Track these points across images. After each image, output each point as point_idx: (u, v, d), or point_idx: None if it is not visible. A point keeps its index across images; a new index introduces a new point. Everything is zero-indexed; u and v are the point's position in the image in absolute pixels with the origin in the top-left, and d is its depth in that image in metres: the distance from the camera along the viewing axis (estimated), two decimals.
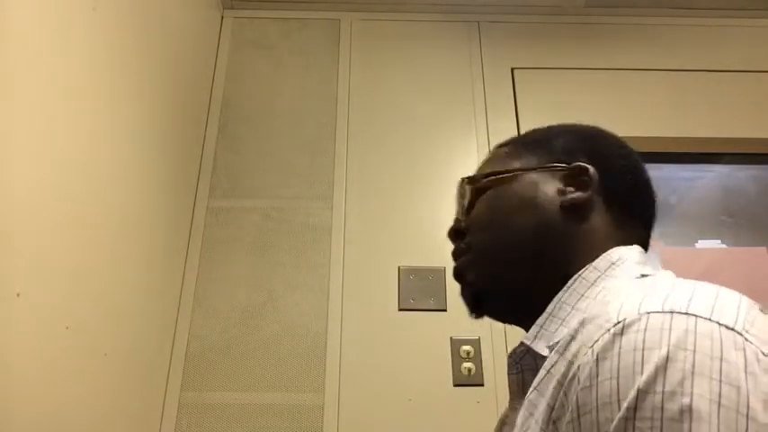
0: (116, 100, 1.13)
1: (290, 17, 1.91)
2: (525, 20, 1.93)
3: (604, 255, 0.55)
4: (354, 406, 1.43)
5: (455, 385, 1.44)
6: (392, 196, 1.67)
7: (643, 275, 0.53)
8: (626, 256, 0.56)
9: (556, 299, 0.54)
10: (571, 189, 0.59)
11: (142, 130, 1.26)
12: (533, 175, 0.62)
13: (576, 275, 0.54)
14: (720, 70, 1.85)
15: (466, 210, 0.66)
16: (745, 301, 0.44)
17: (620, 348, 0.40)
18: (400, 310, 1.52)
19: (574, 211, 0.58)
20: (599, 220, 0.59)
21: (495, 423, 0.62)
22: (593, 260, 0.55)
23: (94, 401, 1.05)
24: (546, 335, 0.53)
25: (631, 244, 0.58)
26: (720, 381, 0.36)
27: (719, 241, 1.78)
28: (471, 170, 0.69)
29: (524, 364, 0.55)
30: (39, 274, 0.87)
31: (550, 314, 0.54)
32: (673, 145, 1.75)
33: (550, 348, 0.50)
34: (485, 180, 0.64)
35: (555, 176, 0.61)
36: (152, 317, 1.34)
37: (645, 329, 0.40)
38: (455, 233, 0.66)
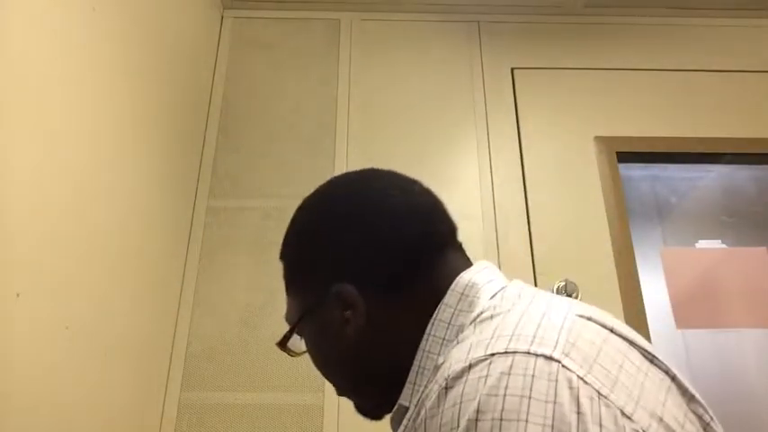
0: (116, 100, 1.13)
1: (290, 17, 1.91)
2: (525, 20, 1.93)
3: (452, 288, 0.54)
4: None
5: None
6: None
7: (493, 296, 0.52)
8: (472, 280, 0.54)
9: (420, 350, 0.52)
10: (349, 313, 0.57)
11: (142, 130, 1.26)
12: (313, 317, 0.60)
13: (431, 321, 0.53)
14: (720, 70, 1.85)
15: (293, 352, 0.65)
16: (574, 313, 0.44)
17: (444, 405, 0.40)
18: None
19: (369, 327, 0.56)
20: (396, 305, 0.56)
21: None
22: (436, 303, 0.53)
23: (94, 401, 1.05)
24: (420, 390, 0.51)
25: (454, 266, 0.57)
26: (527, 421, 0.36)
27: (719, 241, 1.78)
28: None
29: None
30: (39, 274, 0.87)
31: (419, 366, 0.52)
32: (673, 145, 1.75)
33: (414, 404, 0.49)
34: (290, 332, 0.63)
35: (330, 307, 0.58)
36: (152, 317, 1.34)
37: (466, 381, 0.40)
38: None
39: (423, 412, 0.43)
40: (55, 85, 0.91)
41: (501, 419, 0.37)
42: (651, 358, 0.44)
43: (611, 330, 0.45)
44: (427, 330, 0.53)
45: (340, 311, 0.58)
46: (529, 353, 0.39)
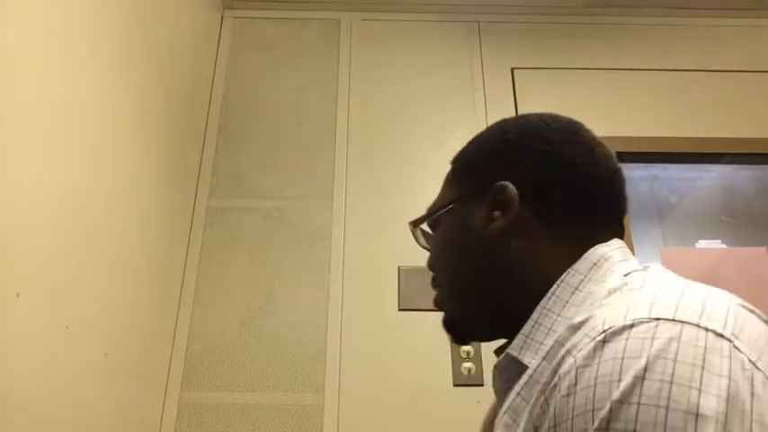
0: (116, 100, 1.13)
1: (290, 17, 1.91)
2: (525, 20, 1.93)
3: (585, 256, 0.53)
4: (354, 406, 1.43)
5: (455, 385, 1.44)
6: (392, 196, 1.66)
7: (627, 274, 0.51)
8: (607, 254, 0.54)
9: (540, 307, 0.52)
10: (497, 213, 0.57)
11: (142, 130, 1.26)
12: (461, 208, 0.62)
13: (558, 281, 0.52)
14: (720, 70, 1.85)
15: (425, 243, 0.68)
16: (736, 302, 0.43)
17: (601, 357, 0.39)
18: (400, 310, 1.52)
19: (509, 234, 0.56)
20: (543, 229, 0.56)
21: None
22: (569, 265, 0.53)
23: (94, 401, 1.05)
24: (533, 345, 0.51)
25: (601, 238, 0.56)
26: (700, 390, 0.35)
27: (719, 241, 1.78)
28: None
29: (510, 375, 0.53)
30: (39, 274, 0.87)
31: (536, 322, 0.52)
32: (673, 145, 1.75)
33: (542, 358, 0.48)
34: (426, 222, 0.66)
35: (480, 202, 0.59)
36: (152, 317, 1.34)
37: (628, 338, 0.39)
38: (430, 264, 0.67)
39: (570, 362, 0.42)
40: (55, 85, 0.91)
41: (671, 383, 0.36)
42: None
43: None
44: (551, 290, 0.52)
45: (489, 209, 0.58)
46: (699, 326, 0.38)
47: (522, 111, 1.77)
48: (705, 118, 1.77)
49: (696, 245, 1.80)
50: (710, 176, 1.95)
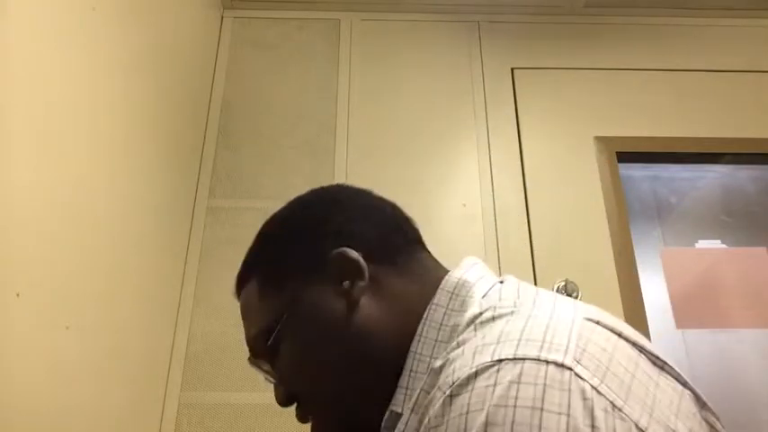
0: (115, 100, 1.13)
1: (290, 17, 1.91)
2: (525, 20, 1.93)
3: (441, 287, 0.52)
4: None
5: None
6: (392, 197, 1.66)
7: (485, 295, 0.50)
8: (462, 278, 0.53)
9: (411, 353, 0.50)
10: (347, 283, 0.54)
11: (142, 131, 1.26)
12: (304, 300, 0.55)
13: (422, 321, 0.51)
14: (721, 70, 1.85)
15: (275, 376, 0.59)
16: (581, 316, 0.43)
17: (449, 414, 0.39)
18: None
19: (365, 299, 0.53)
20: (391, 277, 0.54)
21: None
22: (429, 300, 0.51)
23: (94, 401, 1.05)
24: (413, 395, 0.48)
25: (434, 265, 0.56)
26: None
27: (719, 241, 1.78)
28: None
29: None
30: (39, 274, 0.87)
31: (411, 370, 0.50)
32: (673, 145, 1.75)
33: (410, 410, 0.46)
34: (267, 344, 0.56)
35: (324, 283, 0.54)
36: (152, 317, 1.34)
37: (473, 389, 0.38)
38: (285, 399, 0.60)
39: (426, 421, 0.41)
40: (55, 85, 0.91)
41: None
42: (662, 365, 0.43)
43: (620, 335, 0.43)
44: (418, 332, 0.50)
45: (335, 286, 0.54)
46: (539, 359, 0.38)
47: (522, 111, 1.77)
48: (705, 118, 1.77)
49: (696, 245, 1.80)
50: (710, 176, 1.95)
